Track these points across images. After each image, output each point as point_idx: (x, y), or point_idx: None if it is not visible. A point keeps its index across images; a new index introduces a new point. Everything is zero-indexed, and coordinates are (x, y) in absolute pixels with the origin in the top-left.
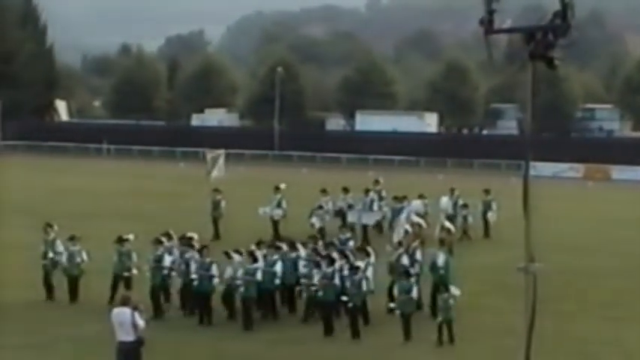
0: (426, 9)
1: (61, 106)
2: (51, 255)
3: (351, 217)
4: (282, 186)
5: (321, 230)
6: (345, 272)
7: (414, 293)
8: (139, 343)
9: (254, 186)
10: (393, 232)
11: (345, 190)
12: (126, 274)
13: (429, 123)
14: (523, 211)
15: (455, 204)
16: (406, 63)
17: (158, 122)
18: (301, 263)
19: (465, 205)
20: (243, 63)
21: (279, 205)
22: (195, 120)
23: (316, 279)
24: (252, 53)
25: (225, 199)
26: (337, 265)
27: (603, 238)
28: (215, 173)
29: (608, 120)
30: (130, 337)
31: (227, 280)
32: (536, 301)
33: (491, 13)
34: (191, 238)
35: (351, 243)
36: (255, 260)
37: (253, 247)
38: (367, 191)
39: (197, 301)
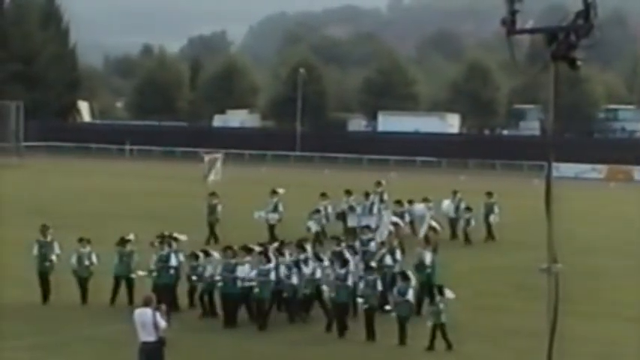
0: (448, 9)
1: (83, 107)
2: (53, 257)
3: (350, 221)
4: (280, 190)
5: (318, 234)
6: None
7: (410, 296)
8: (160, 343)
9: (275, 187)
10: (375, 232)
11: (348, 192)
12: (132, 275)
13: (451, 124)
14: (545, 212)
15: (457, 207)
16: (428, 64)
17: (180, 123)
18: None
19: (468, 209)
20: (265, 64)
21: (275, 209)
22: (217, 121)
23: (295, 280)
24: (274, 54)
25: (221, 203)
26: (351, 266)
27: (625, 239)
28: (212, 177)
29: (631, 121)
30: (151, 338)
31: (206, 279)
32: (559, 302)
33: (513, 13)
34: (175, 239)
35: (373, 243)
36: (268, 261)
37: (272, 247)
38: (367, 194)
39: (222, 303)
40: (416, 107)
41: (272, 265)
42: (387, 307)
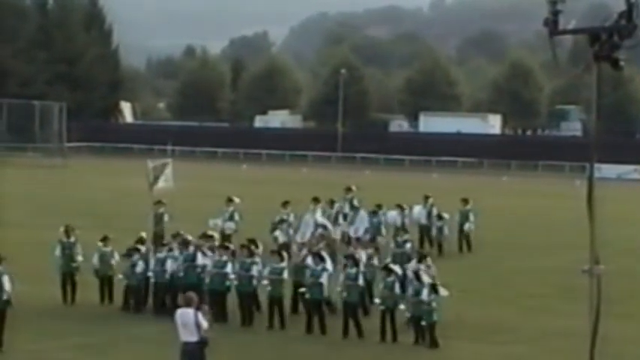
0: (490, 9)
1: (125, 107)
2: (79, 258)
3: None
4: (236, 199)
5: (286, 245)
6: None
7: (424, 296)
8: (202, 343)
9: (315, 188)
10: (296, 233)
11: (316, 200)
12: (149, 274)
13: (493, 124)
14: (587, 214)
15: (429, 213)
16: (470, 64)
17: (221, 124)
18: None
19: (440, 217)
20: (306, 64)
21: (231, 218)
22: (259, 122)
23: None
24: (315, 55)
25: (168, 212)
26: (362, 266)
27: None
28: (161, 184)
29: None
30: (193, 338)
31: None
32: (601, 304)
33: (555, 13)
34: (181, 239)
35: (409, 245)
36: (282, 259)
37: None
38: (332, 203)
39: (240, 301)
40: (457, 108)
41: (284, 264)
42: (402, 307)
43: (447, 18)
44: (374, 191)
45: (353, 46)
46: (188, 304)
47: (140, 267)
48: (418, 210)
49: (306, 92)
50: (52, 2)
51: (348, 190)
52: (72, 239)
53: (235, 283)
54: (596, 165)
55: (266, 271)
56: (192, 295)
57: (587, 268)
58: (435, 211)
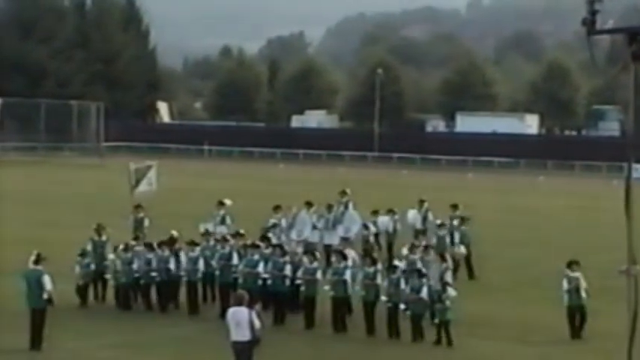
0: (527, 10)
1: (162, 107)
2: (111, 256)
3: (311, 238)
4: (228, 201)
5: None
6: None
7: (424, 293)
8: (255, 342)
9: (351, 187)
10: (291, 230)
11: (309, 204)
12: (181, 273)
13: (530, 124)
14: (625, 214)
15: (424, 218)
16: (507, 64)
17: (258, 124)
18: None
19: (442, 224)
20: (343, 65)
21: (222, 222)
22: (295, 121)
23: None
24: (352, 55)
25: (148, 216)
26: (379, 265)
27: None
28: (144, 187)
29: None
30: (245, 337)
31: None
32: (638, 304)
33: (593, 13)
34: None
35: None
36: (315, 259)
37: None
38: (330, 207)
39: (270, 300)
40: (494, 108)
41: (317, 264)
42: (402, 306)
43: (483, 19)
44: (411, 191)
45: (389, 46)
46: (240, 303)
47: (136, 265)
48: (413, 214)
49: (342, 92)
50: (90, 3)
51: (343, 193)
52: (103, 238)
53: (269, 282)
54: (634, 165)
55: (300, 272)
56: (243, 293)
57: (624, 268)
58: (430, 216)
